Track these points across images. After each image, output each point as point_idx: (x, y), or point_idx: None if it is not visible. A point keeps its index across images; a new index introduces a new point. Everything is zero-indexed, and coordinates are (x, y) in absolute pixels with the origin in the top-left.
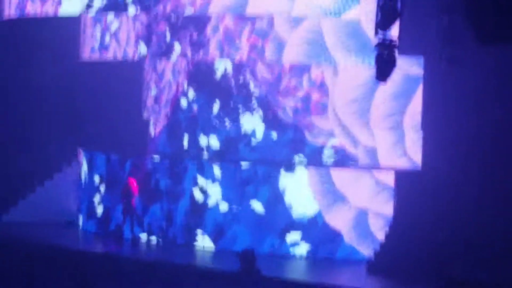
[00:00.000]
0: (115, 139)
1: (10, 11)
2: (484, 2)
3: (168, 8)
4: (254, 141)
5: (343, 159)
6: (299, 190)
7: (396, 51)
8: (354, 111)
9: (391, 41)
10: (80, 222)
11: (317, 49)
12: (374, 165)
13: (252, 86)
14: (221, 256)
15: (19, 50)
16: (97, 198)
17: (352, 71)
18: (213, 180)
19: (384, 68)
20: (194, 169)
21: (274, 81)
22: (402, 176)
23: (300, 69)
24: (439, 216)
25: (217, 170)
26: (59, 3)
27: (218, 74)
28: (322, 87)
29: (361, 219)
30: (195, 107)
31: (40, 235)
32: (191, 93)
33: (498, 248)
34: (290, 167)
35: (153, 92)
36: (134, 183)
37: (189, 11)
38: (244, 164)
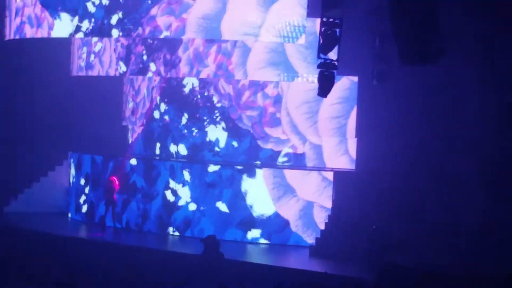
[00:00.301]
0: (99, 143)
1: (11, 34)
2: (404, 28)
3: (147, 31)
4: (217, 149)
5: (295, 161)
6: (258, 192)
7: (335, 71)
8: (305, 112)
9: (331, 62)
10: (70, 214)
11: (278, 56)
12: (319, 163)
13: (215, 100)
14: (189, 242)
15: (20, 66)
16: (83, 194)
17: (306, 76)
18: (183, 183)
19: (325, 86)
20: (167, 174)
21: (235, 96)
22: (340, 175)
23: (258, 86)
24: (370, 209)
25: (186, 175)
26: (52, 27)
27: (186, 89)
28: (276, 102)
29: (307, 210)
30: (166, 118)
31: (35, 223)
32: (163, 106)
33: (422, 232)
34: (251, 172)
35: (130, 104)
36: (115, 180)
37: (164, 34)
38: (210, 169)
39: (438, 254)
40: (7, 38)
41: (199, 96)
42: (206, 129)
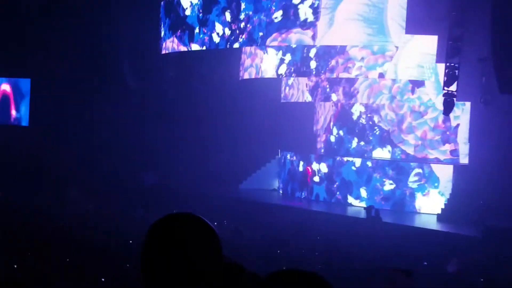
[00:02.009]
0: (298, 145)
1: (245, 74)
2: (500, 64)
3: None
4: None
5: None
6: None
7: (455, 98)
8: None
9: (452, 93)
10: (280, 191)
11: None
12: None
13: (381, 124)
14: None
15: (249, 95)
16: (287, 180)
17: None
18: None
19: (448, 108)
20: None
21: (398, 121)
22: (457, 167)
23: (419, 113)
24: (479, 189)
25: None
26: (262, 61)
27: (355, 116)
28: (435, 128)
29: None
30: (340, 133)
31: (256, 196)
32: (335, 129)
33: None
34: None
35: (318, 123)
36: (309, 170)
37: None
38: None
39: None
40: (241, 78)
41: (365, 121)
42: (373, 152)
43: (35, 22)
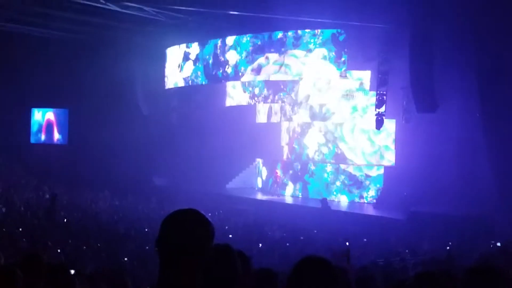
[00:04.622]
0: (267, 154)
1: (228, 101)
2: (417, 91)
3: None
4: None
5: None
6: None
7: (384, 117)
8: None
9: (382, 113)
10: (256, 188)
11: None
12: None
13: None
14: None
15: (231, 117)
16: (260, 180)
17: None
18: None
19: (379, 124)
20: None
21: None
22: (387, 168)
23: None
24: (404, 182)
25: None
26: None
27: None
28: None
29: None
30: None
31: (239, 192)
32: (298, 145)
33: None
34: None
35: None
36: (277, 172)
37: None
38: None
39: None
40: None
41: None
42: None
43: (71, 67)
